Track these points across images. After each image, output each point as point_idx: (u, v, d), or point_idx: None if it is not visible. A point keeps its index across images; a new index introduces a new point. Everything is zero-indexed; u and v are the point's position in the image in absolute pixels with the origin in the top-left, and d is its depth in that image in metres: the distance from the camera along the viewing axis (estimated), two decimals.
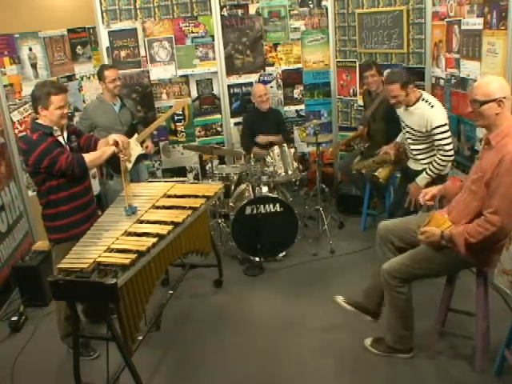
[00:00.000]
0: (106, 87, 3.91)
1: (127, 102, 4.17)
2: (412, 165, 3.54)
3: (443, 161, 3.27)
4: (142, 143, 4.00)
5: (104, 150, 2.88)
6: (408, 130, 3.44)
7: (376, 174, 3.67)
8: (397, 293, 2.62)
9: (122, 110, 4.00)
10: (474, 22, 3.39)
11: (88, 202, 2.98)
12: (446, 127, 3.24)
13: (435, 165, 3.29)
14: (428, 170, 3.33)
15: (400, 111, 3.52)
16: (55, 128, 2.80)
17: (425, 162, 3.40)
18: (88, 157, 2.82)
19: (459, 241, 2.38)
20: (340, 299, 2.97)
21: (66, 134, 2.90)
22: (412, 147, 3.46)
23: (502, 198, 2.27)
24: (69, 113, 2.89)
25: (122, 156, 2.88)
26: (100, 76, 3.92)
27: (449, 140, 3.25)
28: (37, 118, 2.83)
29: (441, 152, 3.28)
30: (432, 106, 3.27)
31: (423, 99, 3.33)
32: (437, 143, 3.28)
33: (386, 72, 4.49)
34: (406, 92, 3.31)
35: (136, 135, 3.98)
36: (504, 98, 2.31)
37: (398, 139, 3.70)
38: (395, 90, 3.31)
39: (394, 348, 2.78)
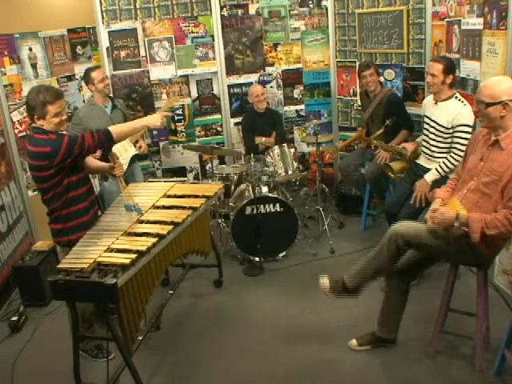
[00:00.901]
0: (95, 89, 3.86)
1: (118, 102, 4.14)
2: (423, 162, 3.50)
3: (456, 160, 3.22)
4: (135, 144, 4.00)
5: (135, 123, 2.86)
6: (433, 125, 3.37)
7: (391, 164, 3.68)
8: (399, 286, 2.65)
9: (114, 111, 3.98)
10: (474, 22, 3.40)
11: (95, 200, 2.96)
12: (470, 130, 3.18)
13: (447, 163, 3.26)
14: (439, 168, 3.29)
15: (427, 106, 3.48)
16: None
17: (441, 161, 3.34)
18: (117, 129, 2.76)
19: (475, 226, 2.31)
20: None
21: None
22: (433, 143, 3.39)
23: None
24: (67, 116, 2.84)
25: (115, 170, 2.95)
26: (87, 80, 3.87)
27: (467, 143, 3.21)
28: (34, 122, 2.67)
29: (455, 151, 3.23)
30: (465, 105, 3.24)
31: (456, 97, 3.29)
32: (456, 140, 3.23)
33: (385, 72, 4.52)
34: (444, 79, 3.23)
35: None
36: (510, 100, 2.28)
37: (419, 139, 3.66)
38: (436, 69, 3.22)
39: (382, 338, 2.82)
